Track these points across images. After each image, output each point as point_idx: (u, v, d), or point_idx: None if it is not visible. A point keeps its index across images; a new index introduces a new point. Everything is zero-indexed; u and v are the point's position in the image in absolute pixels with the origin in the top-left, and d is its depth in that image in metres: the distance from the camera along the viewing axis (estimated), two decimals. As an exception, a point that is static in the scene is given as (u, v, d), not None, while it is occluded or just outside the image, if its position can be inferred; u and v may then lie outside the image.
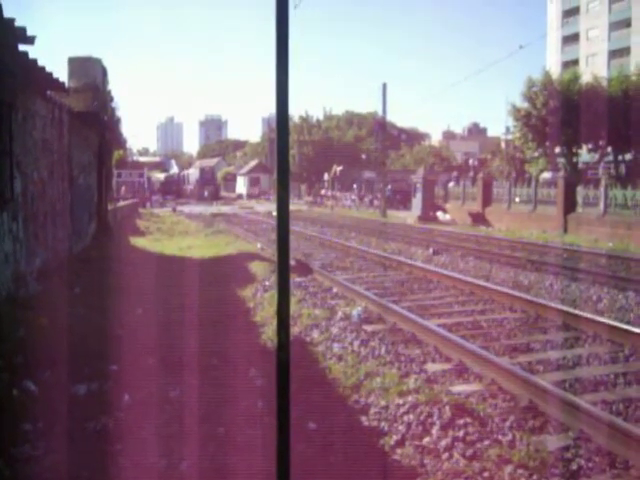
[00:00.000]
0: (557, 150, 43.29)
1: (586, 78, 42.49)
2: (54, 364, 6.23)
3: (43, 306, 8.58)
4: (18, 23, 8.21)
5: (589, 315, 9.09)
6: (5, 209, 9.10)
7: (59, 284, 10.70)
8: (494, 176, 46.52)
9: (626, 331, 8.10)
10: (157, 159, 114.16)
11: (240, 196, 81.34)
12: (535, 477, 4.51)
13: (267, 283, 12.25)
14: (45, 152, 11.92)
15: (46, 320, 7.71)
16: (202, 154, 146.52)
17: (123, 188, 55.18)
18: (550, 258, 17.25)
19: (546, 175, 45.72)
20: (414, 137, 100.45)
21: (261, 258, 15.95)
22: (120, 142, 38.83)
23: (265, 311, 9.87)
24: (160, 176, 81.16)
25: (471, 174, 52.73)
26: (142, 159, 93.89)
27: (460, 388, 6.39)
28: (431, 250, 18.80)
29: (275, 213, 2.51)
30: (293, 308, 9.80)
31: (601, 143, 41.60)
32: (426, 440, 5.10)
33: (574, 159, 43.41)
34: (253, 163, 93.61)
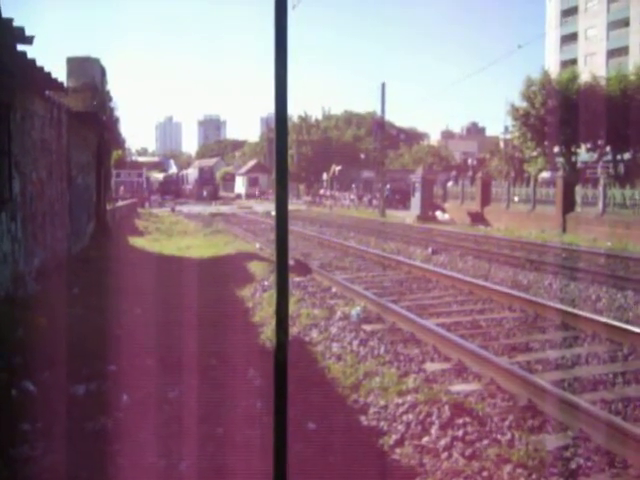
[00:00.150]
0: (556, 149, 43.31)
1: (585, 77, 42.51)
2: (53, 364, 6.23)
3: (42, 306, 8.57)
4: (16, 23, 8.19)
5: (588, 314, 9.10)
6: (3, 209, 9.10)
7: (58, 284, 10.69)
8: (493, 175, 46.58)
9: (625, 330, 8.11)
10: (156, 159, 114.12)
11: (239, 196, 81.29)
12: (534, 476, 4.51)
13: (266, 283, 12.25)
14: (44, 152, 11.91)
15: (45, 320, 7.70)
16: (201, 154, 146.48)
17: (122, 188, 55.13)
18: (549, 257, 17.26)
19: (545, 174, 45.74)
20: (413, 137, 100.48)
21: (260, 258, 15.95)
22: (119, 142, 38.81)
23: (264, 311, 9.86)
24: (159, 176, 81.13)
25: (470, 173, 52.74)
26: (141, 159, 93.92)
27: (459, 387, 6.39)
28: (430, 250, 18.80)
29: (274, 213, 2.51)
30: (292, 308, 9.80)
31: (600, 142, 41.61)
32: (425, 440, 5.10)
33: (573, 158, 43.44)
34: (252, 163, 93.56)
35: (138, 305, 9.59)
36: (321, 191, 67.07)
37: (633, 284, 12.37)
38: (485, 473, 4.54)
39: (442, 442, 5.03)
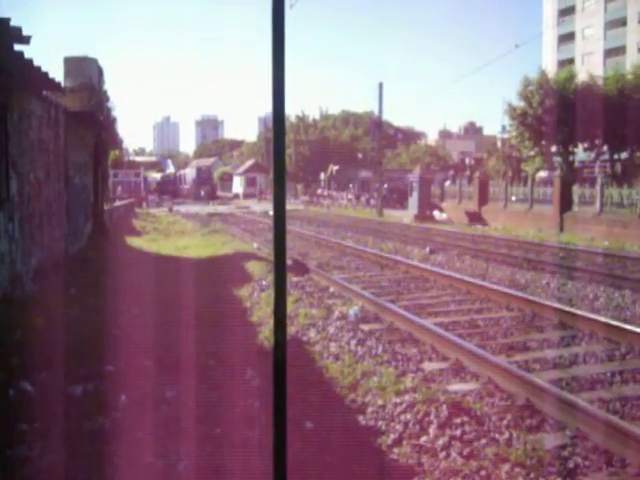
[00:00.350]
0: (553, 149, 43.37)
1: (582, 77, 42.53)
2: (50, 365, 6.22)
3: (39, 306, 8.56)
4: (14, 23, 8.18)
5: (585, 313, 9.11)
6: (1, 209, 9.09)
7: (55, 284, 10.68)
8: (490, 175, 46.63)
9: (622, 329, 8.12)
10: (153, 159, 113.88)
11: (237, 196, 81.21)
12: (532, 475, 4.51)
13: (264, 283, 12.25)
14: (41, 152, 11.90)
15: (42, 320, 7.69)
16: (198, 154, 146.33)
17: (119, 188, 55.00)
18: (546, 257, 17.28)
19: (542, 174, 45.82)
20: (410, 136, 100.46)
21: (257, 258, 15.95)
22: (116, 142, 38.74)
23: (262, 311, 9.86)
24: (156, 176, 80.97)
25: (467, 173, 52.69)
26: (138, 159, 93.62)
27: (457, 387, 6.39)
28: (428, 249, 18.81)
29: (271, 213, 2.51)
30: (290, 308, 9.80)
31: (597, 142, 41.66)
32: (423, 439, 5.11)
33: (570, 158, 43.50)
34: (249, 163, 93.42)
35: (135, 305, 9.58)
36: (319, 191, 67.04)
37: (630, 283, 12.39)
38: (483, 472, 4.55)
39: (440, 441, 5.04)
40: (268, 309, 9.63)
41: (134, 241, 21.13)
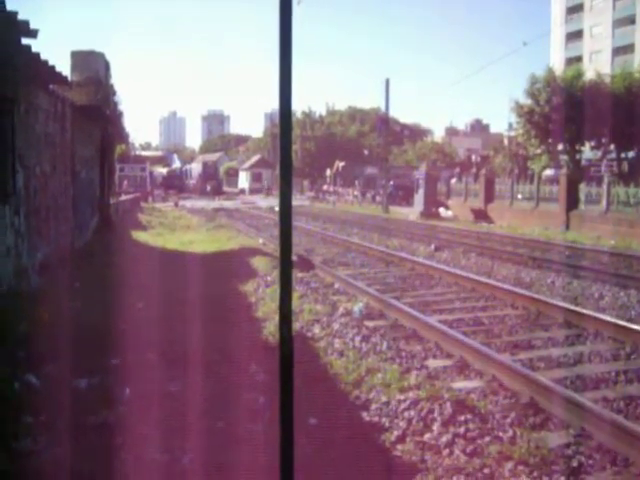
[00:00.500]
0: (560, 147, 43.26)
1: (589, 75, 42.40)
2: (56, 358, 6.24)
3: (45, 300, 8.59)
4: (21, 16, 8.21)
5: (591, 312, 9.09)
6: (7, 203, 9.11)
7: (61, 278, 10.71)
8: (496, 173, 46.54)
9: (628, 329, 8.10)
10: (159, 153, 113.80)
11: (242, 191, 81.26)
12: (535, 474, 4.51)
13: (269, 278, 12.25)
14: (47, 146, 11.92)
15: (48, 314, 7.71)
16: (204, 149, 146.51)
17: (125, 182, 55.06)
18: (552, 255, 17.24)
19: (549, 172, 45.67)
20: (417, 133, 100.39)
21: (263, 253, 15.95)
22: (123, 136, 38.84)
23: (267, 306, 9.86)
24: (162, 170, 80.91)
25: (473, 170, 52.63)
26: (144, 153, 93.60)
27: (461, 384, 6.39)
28: (433, 246, 18.79)
29: (277, 208, 2.51)
30: (295, 304, 9.80)
31: (604, 140, 41.56)
32: (427, 436, 5.11)
33: (577, 156, 43.39)
34: (255, 158, 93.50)
35: (141, 299, 9.60)
36: (324, 187, 67.05)
37: (636, 282, 12.35)
38: (486, 470, 4.55)
39: (444, 439, 5.04)
40: (273, 304, 9.64)
41: (140, 235, 21.17)
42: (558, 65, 55.56)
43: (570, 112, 37.33)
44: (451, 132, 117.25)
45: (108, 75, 21.54)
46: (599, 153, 44.35)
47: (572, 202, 27.15)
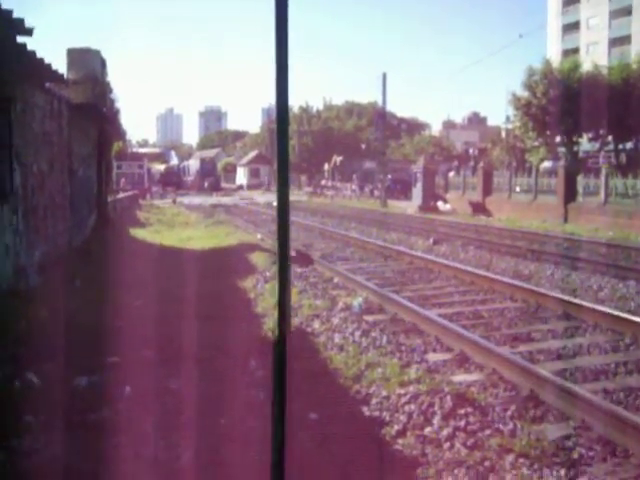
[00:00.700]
0: (557, 139, 43.28)
1: (586, 67, 42.41)
2: (55, 356, 6.24)
3: (43, 298, 8.59)
4: (16, 14, 8.17)
5: (590, 304, 9.09)
6: (5, 202, 9.09)
7: (59, 276, 10.70)
8: (494, 165, 46.48)
9: (627, 320, 8.10)
10: (157, 150, 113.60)
11: (240, 187, 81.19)
12: (536, 466, 4.52)
13: (267, 274, 12.25)
14: (45, 144, 11.90)
15: (46, 312, 7.72)
16: (202, 145, 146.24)
17: (123, 180, 55.02)
18: (550, 247, 17.25)
19: (546, 164, 45.70)
20: (414, 127, 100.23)
21: (261, 249, 15.95)
22: (120, 133, 38.72)
23: (266, 302, 9.86)
24: (160, 167, 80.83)
25: (471, 164, 52.65)
26: (142, 150, 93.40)
27: (461, 378, 6.40)
28: (431, 240, 18.79)
29: (275, 204, 2.50)
30: (294, 299, 9.81)
31: (601, 132, 41.59)
32: (427, 430, 5.11)
33: (574, 148, 43.41)
34: (253, 154, 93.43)
35: (140, 297, 9.60)
36: (322, 182, 67.02)
37: (635, 274, 12.36)
38: (487, 463, 4.55)
39: (444, 432, 5.04)
40: (272, 300, 9.63)
41: (138, 232, 21.16)
42: (555, 57, 55.54)
43: (567, 104, 37.32)
44: (448, 125, 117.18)
45: (104, 72, 21.48)
46: (597, 145, 44.36)
47: (570, 194, 27.16)
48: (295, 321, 8.62)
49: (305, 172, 78.90)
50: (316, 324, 8.61)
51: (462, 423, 5.19)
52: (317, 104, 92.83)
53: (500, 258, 15.16)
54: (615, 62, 45.24)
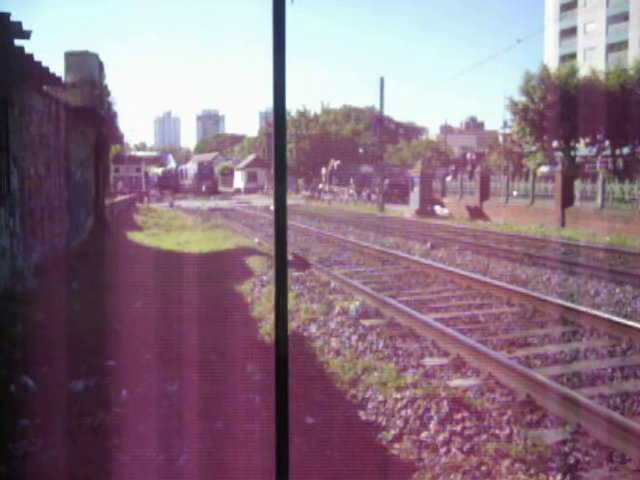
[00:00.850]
0: (555, 144, 43.32)
1: (584, 72, 42.47)
2: (52, 360, 6.23)
3: (40, 301, 8.57)
4: (14, 18, 8.18)
5: (586, 309, 9.10)
6: (2, 204, 9.08)
7: (56, 279, 10.68)
8: (492, 170, 46.60)
9: (623, 325, 8.11)
10: (154, 154, 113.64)
11: (238, 190, 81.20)
12: (532, 471, 4.51)
13: (265, 278, 12.24)
14: (42, 147, 11.89)
15: (43, 315, 7.70)
16: (199, 149, 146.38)
17: (120, 183, 55.05)
18: (548, 252, 17.26)
19: (544, 169, 45.77)
20: (412, 131, 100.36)
21: (259, 253, 15.94)
22: (117, 137, 38.76)
23: (262, 306, 9.86)
24: (157, 171, 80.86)
25: (469, 168, 52.71)
26: (139, 154, 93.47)
27: (458, 382, 6.40)
28: (429, 244, 18.80)
29: (272, 208, 2.50)
30: (291, 303, 9.80)
31: (599, 137, 41.62)
32: (424, 434, 5.11)
33: (572, 153, 43.45)
34: (251, 157, 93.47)
35: (137, 300, 9.59)
36: (320, 186, 66.99)
37: (632, 279, 12.37)
38: (483, 468, 4.55)
39: (441, 437, 5.04)
40: (269, 304, 9.63)
41: (135, 236, 21.14)
42: (552, 62, 55.66)
43: (565, 109, 37.39)
44: (446, 130, 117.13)
45: (102, 76, 21.49)
46: (594, 150, 44.41)
47: (567, 199, 27.20)
48: (292, 325, 8.61)
49: (302, 176, 78.89)
50: (313, 328, 8.60)
51: (458, 428, 5.19)
52: (315, 108, 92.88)
53: (497, 263, 15.17)
54: (612, 68, 45.32)
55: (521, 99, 42.68)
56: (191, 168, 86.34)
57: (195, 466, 4.48)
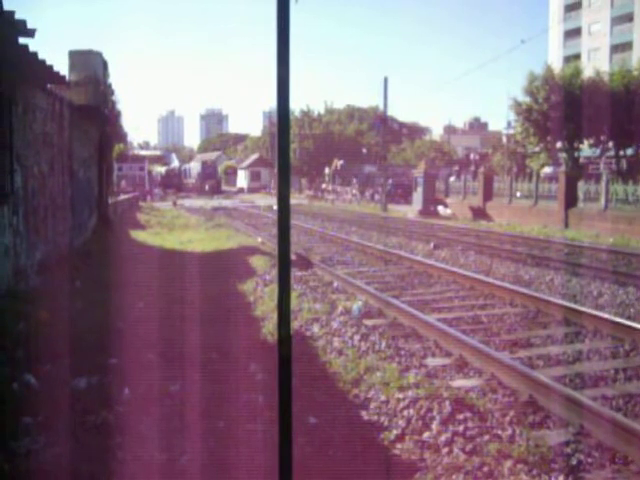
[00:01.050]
0: (558, 145, 43.23)
1: (588, 73, 42.38)
2: (54, 358, 6.23)
3: (43, 300, 8.58)
4: (18, 16, 8.17)
5: (590, 310, 9.09)
6: (5, 202, 9.09)
7: (59, 278, 10.69)
8: (495, 171, 46.54)
9: (627, 326, 8.10)
10: (158, 153, 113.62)
11: (241, 190, 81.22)
12: (535, 472, 4.51)
13: (267, 277, 12.25)
14: (45, 145, 11.90)
15: (46, 314, 7.71)
16: (203, 148, 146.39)
17: (123, 182, 55.04)
18: (551, 253, 17.24)
19: (547, 170, 45.69)
20: (415, 131, 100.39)
21: (262, 252, 15.95)
22: (121, 135, 38.81)
23: (265, 305, 9.86)
24: (161, 170, 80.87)
25: (472, 168, 52.70)
26: (143, 152, 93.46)
27: (460, 383, 6.39)
28: (432, 244, 18.79)
29: (276, 207, 2.50)
30: (293, 302, 9.80)
31: (602, 138, 41.54)
32: (426, 435, 5.10)
33: (575, 154, 43.35)
34: (254, 157, 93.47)
35: (140, 299, 9.59)
36: (323, 185, 66.99)
37: (635, 280, 12.35)
38: (486, 468, 4.54)
39: (443, 437, 5.03)
40: (272, 303, 9.63)
41: (138, 235, 21.15)
42: (556, 63, 55.62)
43: (568, 110, 37.30)
44: (449, 130, 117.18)
45: (106, 74, 21.52)
46: (598, 151, 44.33)
47: (571, 200, 27.15)
48: (295, 325, 8.62)
49: (306, 176, 78.86)
50: (315, 328, 8.60)
51: (461, 428, 5.18)
52: (318, 108, 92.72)
53: (500, 263, 15.16)
54: (616, 68, 45.19)
55: (525, 100, 42.61)
56: (194, 167, 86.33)
57: (197, 465, 4.48)
